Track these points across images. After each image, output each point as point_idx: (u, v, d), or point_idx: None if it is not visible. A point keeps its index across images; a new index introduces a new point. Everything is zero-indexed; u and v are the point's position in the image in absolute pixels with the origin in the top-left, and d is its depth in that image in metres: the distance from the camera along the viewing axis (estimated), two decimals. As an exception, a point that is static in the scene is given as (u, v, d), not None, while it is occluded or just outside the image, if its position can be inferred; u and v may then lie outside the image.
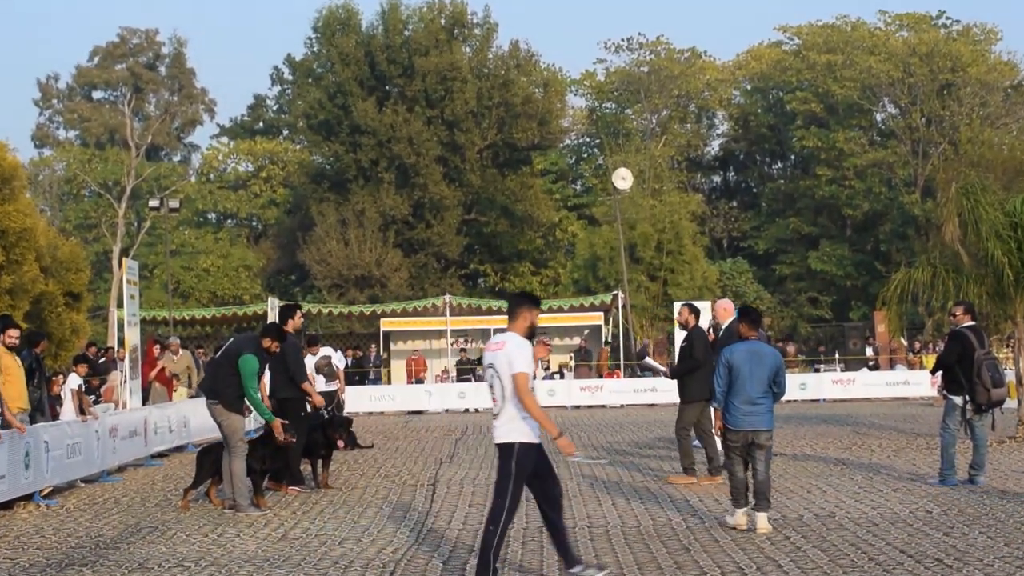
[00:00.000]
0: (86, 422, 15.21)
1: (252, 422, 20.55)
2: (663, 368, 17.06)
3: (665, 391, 31.19)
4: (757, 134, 63.47)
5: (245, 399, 12.22)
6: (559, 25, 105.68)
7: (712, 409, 10.83)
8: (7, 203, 26.16)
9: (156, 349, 22.33)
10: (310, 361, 19.09)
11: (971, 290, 18.27)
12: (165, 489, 14.26)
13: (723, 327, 13.83)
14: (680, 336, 15.04)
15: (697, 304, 15.43)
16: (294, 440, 12.71)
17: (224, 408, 11.96)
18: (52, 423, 14.57)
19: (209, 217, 66.80)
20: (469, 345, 36.95)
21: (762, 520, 10.10)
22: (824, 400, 30.51)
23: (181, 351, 23.64)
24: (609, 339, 37.24)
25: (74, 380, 16.70)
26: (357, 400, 29.28)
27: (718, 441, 13.50)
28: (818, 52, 58.35)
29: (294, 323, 13.87)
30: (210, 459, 12.42)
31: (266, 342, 12.35)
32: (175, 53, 72.44)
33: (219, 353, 12.95)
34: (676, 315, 14.11)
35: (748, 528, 10.08)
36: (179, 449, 19.47)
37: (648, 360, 20.51)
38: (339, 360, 21.96)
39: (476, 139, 52.74)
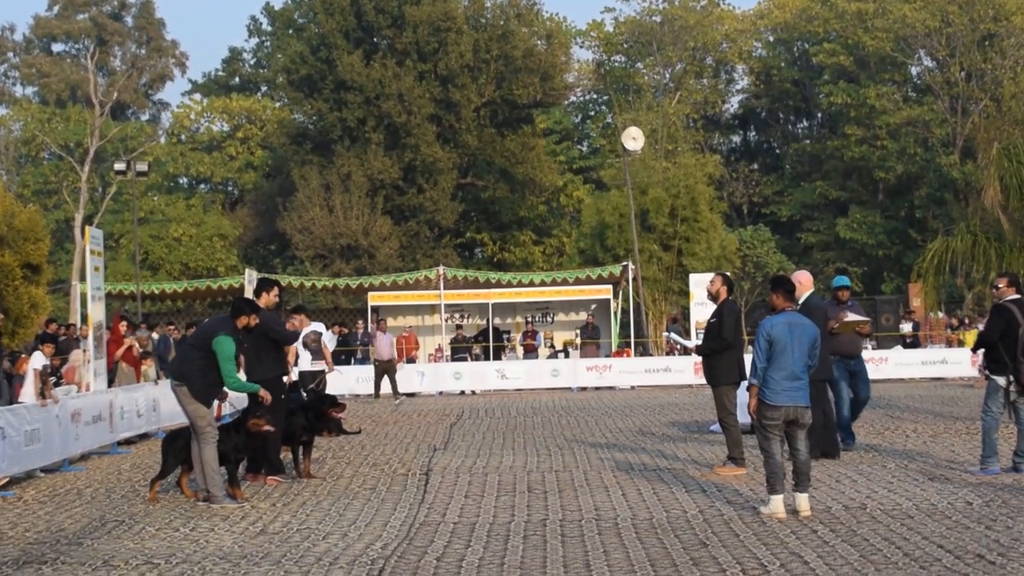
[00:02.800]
0: (46, 406, 15.17)
1: (227, 407, 20.55)
2: (690, 343, 17.05)
3: (679, 371, 31.32)
4: (780, 90, 63.32)
5: (215, 390, 12.20)
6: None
7: (747, 387, 10.84)
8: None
9: (123, 326, 22.29)
10: None
11: (1015, 260, 18.25)
12: (133, 479, 14.25)
13: (799, 303, 13.88)
14: (696, 311, 15.01)
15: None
16: (270, 428, 12.66)
17: (191, 395, 11.92)
18: (8, 408, 14.53)
19: (180, 182, 66.71)
20: (465, 321, 36.94)
21: (803, 501, 10.31)
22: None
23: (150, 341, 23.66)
24: (619, 314, 37.24)
25: (38, 360, 16.68)
26: (342, 381, 29.25)
27: (742, 420, 13.52)
28: (847, 0, 58.11)
29: (267, 299, 13.78)
30: (178, 446, 12.39)
31: (241, 320, 12.29)
32: (143, 2, 72.17)
33: (190, 335, 12.91)
34: (708, 284, 14.02)
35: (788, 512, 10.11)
36: (147, 436, 19.47)
37: (674, 335, 20.53)
38: (329, 340, 21.98)
39: (472, 96, 52.59)
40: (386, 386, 28.54)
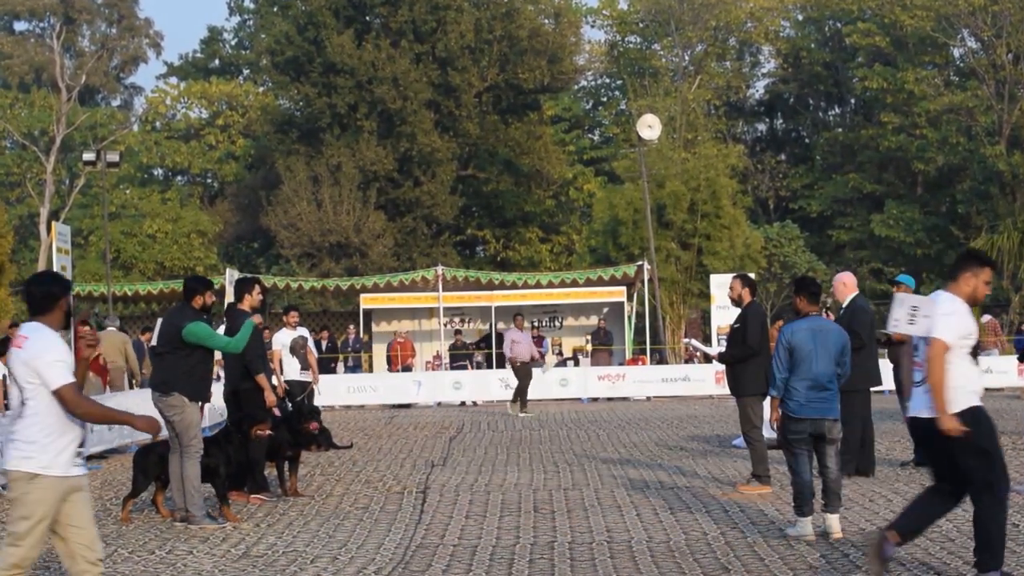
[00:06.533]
0: (4, 416, 15.19)
1: (207, 419, 20.59)
2: (711, 350, 17.10)
3: (699, 381, 31.33)
4: (810, 74, 63.27)
5: (207, 383, 12.24)
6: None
7: (769, 399, 10.89)
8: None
9: (85, 330, 22.23)
10: (285, 336, 19.02)
11: (1066, 260, 18.25)
12: (103, 498, 14.26)
13: (843, 306, 13.98)
14: (718, 315, 15.04)
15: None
16: (269, 431, 12.71)
17: (184, 398, 11.80)
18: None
19: (155, 173, 66.76)
20: (465, 326, 36.93)
21: (833, 522, 10.35)
22: (890, 391, 30.44)
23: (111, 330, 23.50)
24: (633, 318, 37.25)
25: (-5, 368, 16.66)
26: (332, 391, 29.29)
27: (765, 433, 13.53)
28: (884, -25, 58.15)
29: (251, 300, 13.78)
30: (151, 461, 12.34)
31: (196, 301, 12.16)
32: (114, -23, 72.30)
33: (156, 341, 12.70)
34: (728, 290, 14.10)
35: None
36: (118, 450, 19.48)
37: (694, 341, 20.57)
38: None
39: (474, 80, 52.64)
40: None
